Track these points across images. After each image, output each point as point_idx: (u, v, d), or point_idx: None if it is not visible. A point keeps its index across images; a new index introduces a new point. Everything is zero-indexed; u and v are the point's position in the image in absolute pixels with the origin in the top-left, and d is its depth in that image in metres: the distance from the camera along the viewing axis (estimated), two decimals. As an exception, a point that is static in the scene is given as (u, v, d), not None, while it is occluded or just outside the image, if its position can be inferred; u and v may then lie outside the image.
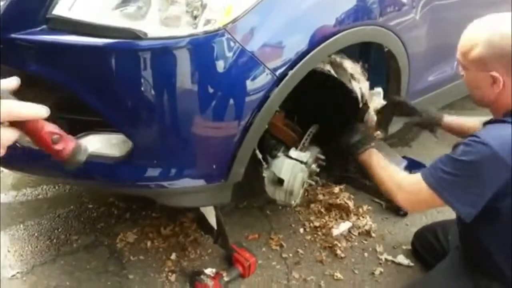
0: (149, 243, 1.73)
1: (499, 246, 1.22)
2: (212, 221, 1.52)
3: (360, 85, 1.54)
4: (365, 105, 1.56)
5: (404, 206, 1.35)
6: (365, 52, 1.66)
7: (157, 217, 1.86)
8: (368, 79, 1.62)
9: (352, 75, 1.52)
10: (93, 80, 1.18)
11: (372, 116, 1.57)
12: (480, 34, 1.16)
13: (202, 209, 1.55)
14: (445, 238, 1.58)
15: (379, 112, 1.63)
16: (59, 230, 1.80)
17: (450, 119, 1.60)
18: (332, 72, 1.48)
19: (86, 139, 1.25)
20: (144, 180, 1.29)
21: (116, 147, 1.24)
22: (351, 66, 1.52)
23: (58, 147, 0.56)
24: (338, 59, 1.50)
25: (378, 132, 1.79)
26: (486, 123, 1.22)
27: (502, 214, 1.16)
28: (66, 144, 0.56)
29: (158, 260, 1.68)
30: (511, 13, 1.16)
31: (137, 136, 1.22)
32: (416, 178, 1.20)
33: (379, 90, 1.54)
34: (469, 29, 1.20)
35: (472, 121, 1.52)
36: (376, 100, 1.54)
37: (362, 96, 1.54)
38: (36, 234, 1.78)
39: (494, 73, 1.14)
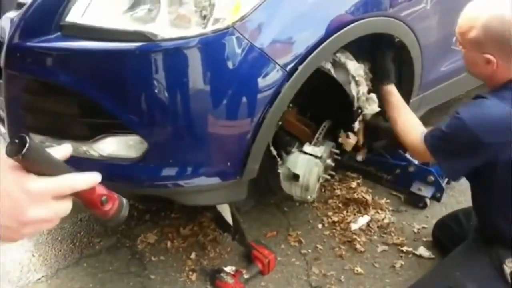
0: (169, 243, 1.76)
1: (506, 218, 1.25)
2: (229, 219, 1.54)
3: (359, 88, 1.53)
4: (359, 109, 1.55)
5: (414, 157, 1.55)
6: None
7: (176, 218, 1.89)
8: (372, 80, 1.62)
9: (353, 77, 1.51)
10: (108, 83, 1.21)
11: (359, 123, 1.57)
12: (478, 16, 1.20)
13: (219, 207, 1.56)
14: (468, 223, 1.56)
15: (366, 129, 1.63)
16: (82, 233, 1.84)
17: None
18: (332, 71, 1.47)
19: (104, 142, 1.29)
20: (161, 179, 1.31)
21: (133, 148, 1.27)
22: (354, 67, 1.51)
23: (107, 207, 0.56)
24: (342, 58, 1.49)
25: (360, 155, 1.83)
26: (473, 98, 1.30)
27: (500, 187, 1.24)
28: (113, 203, 0.57)
29: (178, 260, 1.70)
30: None
31: (152, 137, 1.24)
32: (421, 138, 1.34)
33: (374, 96, 1.53)
34: (468, 9, 1.24)
35: None
36: (370, 106, 1.53)
37: (358, 99, 1.53)
38: (59, 238, 1.82)
39: (489, 56, 1.20)
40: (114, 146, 1.27)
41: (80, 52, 1.20)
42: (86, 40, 1.19)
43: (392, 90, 1.55)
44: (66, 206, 0.52)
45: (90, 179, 0.52)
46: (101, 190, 0.55)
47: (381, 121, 1.65)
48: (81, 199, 0.54)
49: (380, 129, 1.66)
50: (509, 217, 1.23)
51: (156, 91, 1.17)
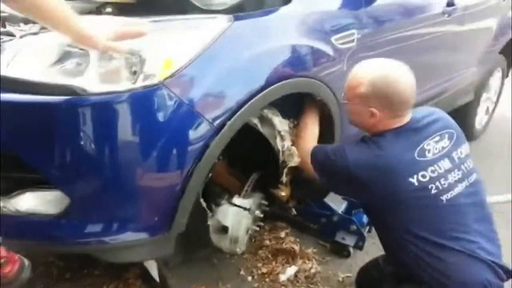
0: (91, 303, 1.65)
1: (407, 254, 1.36)
2: (155, 274, 1.49)
3: (284, 142, 1.62)
4: (284, 162, 1.64)
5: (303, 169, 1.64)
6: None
7: (100, 275, 1.78)
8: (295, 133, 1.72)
9: (279, 132, 1.60)
10: (31, 137, 1.17)
11: (286, 174, 1.66)
12: (366, 74, 1.38)
13: (145, 263, 1.52)
14: (386, 268, 1.65)
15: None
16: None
17: None
18: (259, 126, 1.55)
19: (22, 197, 1.22)
20: (84, 236, 1.26)
21: (52, 203, 1.21)
22: (280, 122, 1.61)
23: (6, 269, 0.53)
24: (269, 114, 1.58)
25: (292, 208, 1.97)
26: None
27: (390, 224, 1.40)
28: (13, 265, 0.54)
29: (101, 321, 1.60)
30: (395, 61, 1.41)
31: (76, 192, 1.20)
32: (311, 150, 1.54)
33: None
34: (357, 68, 1.44)
35: None
36: (294, 159, 1.62)
37: (283, 153, 1.62)
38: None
39: (373, 109, 1.37)
40: (33, 201, 1.21)
41: (4, 104, 1.15)
42: (10, 92, 1.15)
43: (309, 111, 1.72)
44: None
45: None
46: (1, 252, 0.53)
47: (300, 174, 1.73)
48: None
49: (304, 181, 1.73)
50: (407, 251, 1.35)
51: (83, 145, 1.15)
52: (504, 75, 3.63)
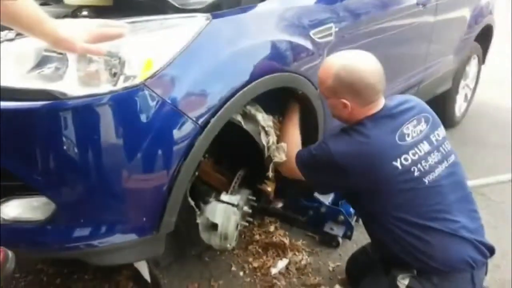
0: (83, 308, 1.65)
1: (392, 239, 1.40)
2: (146, 275, 1.49)
3: (268, 138, 1.63)
4: (269, 157, 1.65)
5: (284, 173, 1.64)
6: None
7: (91, 279, 1.78)
8: (279, 129, 1.73)
9: (263, 127, 1.61)
10: (12, 144, 1.15)
11: (272, 169, 1.67)
12: (330, 68, 1.43)
13: (136, 264, 1.52)
14: (373, 255, 1.68)
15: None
16: (-19, 307, 1.66)
17: None
18: (242, 123, 1.56)
19: (7, 205, 1.21)
20: (73, 241, 1.25)
21: (38, 210, 1.21)
22: (263, 118, 1.62)
23: None
24: (252, 110, 1.59)
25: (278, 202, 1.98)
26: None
27: (375, 211, 1.43)
28: None
29: (94, 325, 1.59)
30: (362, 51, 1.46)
31: (61, 197, 1.20)
32: (294, 154, 1.55)
33: (284, 145, 1.66)
34: (324, 63, 1.49)
35: None
36: (280, 155, 1.64)
37: (269, 148, 1.63)
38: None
39: (344, 100, 1.41)
40: (18, 209, 1.20)
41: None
42: (-12, 100, 1.14)
43: (292, 114, 1.72)
44: None
45: None
46: None
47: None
48: None
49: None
50: (394, 237, 1.39)
51: (65, 149, 1.15)
52: (480, 62, 3.71)
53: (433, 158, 1.41)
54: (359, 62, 1.41)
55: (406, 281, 1.38)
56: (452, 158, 1.46)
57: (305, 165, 1.51)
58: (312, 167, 1.49)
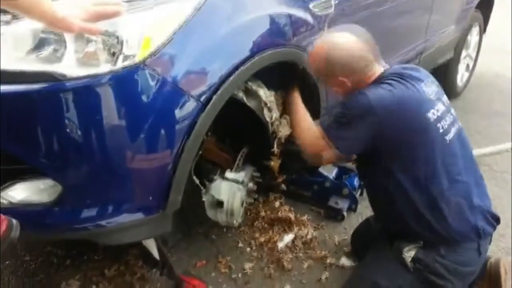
0: (94, 288, 1.68)
1: (405, 207, 1.38)
2: (155, 253, 1.51)
3: (271, 113, 1.63)
4: (274, 133, 1.64)
5: (308, 155, 1.53)
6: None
7: (100, 259, 1.80)
8: (282, 104, 1.72)
9: (265, 103, 1.60)
10: (14, 128, 1.15)
11: (277, 145, 1.67)
12: (318, 54, 1.43)
13: (144, 243, 1.53)
14: (376, 226, 1.70)
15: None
16: (-6, 290, 1.69)
17: None
18: (244, 99, 1.55)
19: (13, 188, 1.22)
20: (80, 222, 1.26)
21: (45, 192, 1.21)
22: (265, 94, 1.61)
23: None
24: (254, 86, 1.58)
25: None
26: None
27: (389, 172, 1.38)
28: (1, 225, 0.54)
29: (105, 303, 1.62)
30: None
31: (66, 179, 1.20)
32: (317, 127, 1.48)
33: (287, 118, 1.64)
34: (312, 52, 1.47)
35: None
36: (283, 129, 1.63)
37: (272, 124, 1.63)
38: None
39: (341, 78, 1.41)
40: (25, 192, 1.21)
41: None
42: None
43: (294, 98, 1.69)
44: None
45: None
46: None
47: (292, 145, 1.75)
48: None
49: (293, 152, 1.75)
50: (407, 205, 1.37)
51: (68, 131, 1.14)
52: (482, 31, 3.66)
53: (449, 119, 1.40)
54: (344, 40, 1.41)
55: (412, 253, 1.39)
56: (459, 123, 1.45)
57: (332, 126, 1.41)
58: (343, 123, 1.38)
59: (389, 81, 1.36)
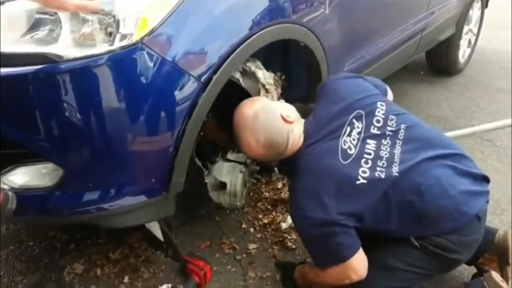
0: (98, 271, 1.68)
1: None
2: (159, 235, 1.51)
3: (268, 95, 1.59)
4: None
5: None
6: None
7: (104, 243, 1.81)
8: (284, 87, 1.69)
9: (263, 85, 1.57)
10: (12, 111, 1.13)
11: None
12: (253, 140, 1.37)
13: (148, 225, 1.53)
14: None
15: None
16: (1, 273, 1.69)
17: None
18: (241, 81, 1.52)
19: (14, 173, 1.20)
20: (83, 205, 1.25)
21: (47, 176, 1.20)
22: (263, 75, 1.57)
23: None
24: (252, 67, 1.55)
25: None
26: None
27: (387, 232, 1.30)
28: None
29: (110, 286, 1.63)
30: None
31: (67, 162, 1.19)
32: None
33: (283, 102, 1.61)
34: (242, 141, 1.40)
35: None
36: None
37: None
38: (-26, 285, 1.66)
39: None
40: (26, 176, 1.20)
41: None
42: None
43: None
44: None
45: None
46: None
47: None
48: None
49: None
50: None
51: (67, 114, 1.12)
52: (484, 5, 3.60)
53: (385, 148, 1.30)
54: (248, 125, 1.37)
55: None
56: (402, 127, 1.34)
57: (320, 256, 1.34)
58: (315, 242, 1.31)
59: (307, 167, 1.30)
